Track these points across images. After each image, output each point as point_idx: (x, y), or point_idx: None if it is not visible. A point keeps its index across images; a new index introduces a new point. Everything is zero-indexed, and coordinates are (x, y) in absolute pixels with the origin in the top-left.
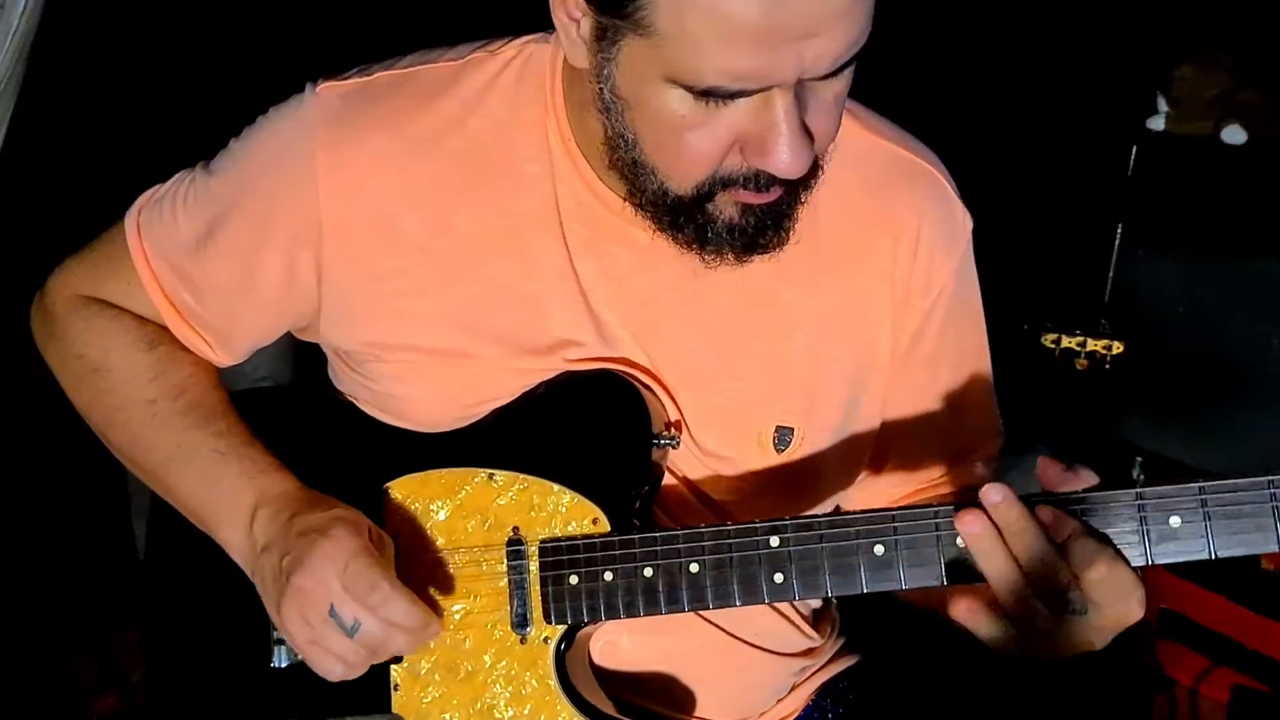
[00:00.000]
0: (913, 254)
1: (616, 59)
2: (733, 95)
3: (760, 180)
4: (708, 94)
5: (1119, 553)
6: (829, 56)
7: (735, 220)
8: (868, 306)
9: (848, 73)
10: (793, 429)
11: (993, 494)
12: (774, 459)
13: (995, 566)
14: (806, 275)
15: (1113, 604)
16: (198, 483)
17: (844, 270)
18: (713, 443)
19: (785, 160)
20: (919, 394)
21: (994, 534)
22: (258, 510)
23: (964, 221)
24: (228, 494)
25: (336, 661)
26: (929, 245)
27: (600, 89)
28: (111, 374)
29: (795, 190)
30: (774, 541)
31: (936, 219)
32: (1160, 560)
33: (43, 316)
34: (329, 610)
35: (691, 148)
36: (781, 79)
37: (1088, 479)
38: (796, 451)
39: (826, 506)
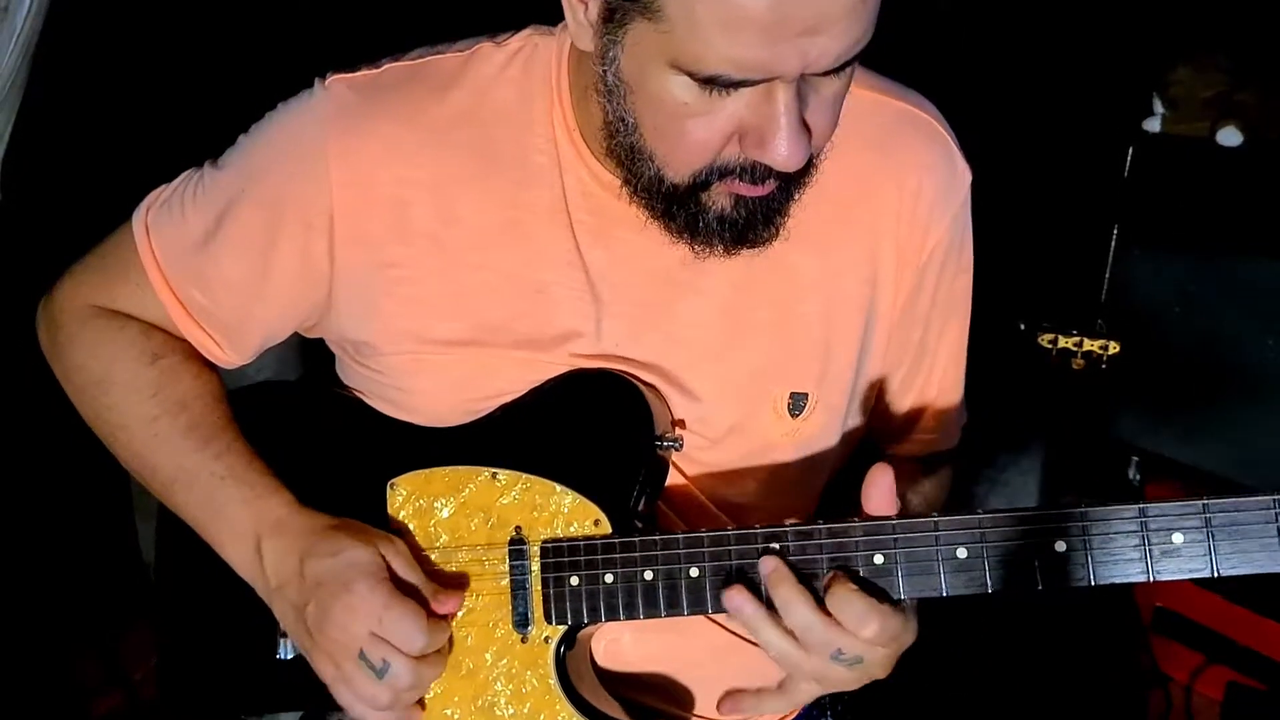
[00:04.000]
0: (913, 207)
1: (622, 41)
2: (735, 85)
3: (756, 172)
4: (710, 82)
5: (882, 595)
6: (832, 53)
7: (727, 212)
8: (874, 263)
9: (848, 71)
10: (807, 394)
11: (765, 565)
12: (789, 425)
13: (767, 637)
14: (817, 239)
15: (886, 644)
16: (200, 507)
17: (853, 229)
18: (728, 414)
19: (783, 153)
20: (906, 347)
21: (763, 610)
22: (261, 540)
23: (963, 174)
24: (228, 520)
25: (365, 702)
26: (929, 198)
27: (604, 72)
28: (114, 388)
29: (788, 186)
30: (774, 548)
31: (937, 172)
32: (1162, 577)
33: (49, 324)
34: (359, 654)
35: (691, 135)
36: (784, 72)
37: (894, 508)
38: (811, 416)
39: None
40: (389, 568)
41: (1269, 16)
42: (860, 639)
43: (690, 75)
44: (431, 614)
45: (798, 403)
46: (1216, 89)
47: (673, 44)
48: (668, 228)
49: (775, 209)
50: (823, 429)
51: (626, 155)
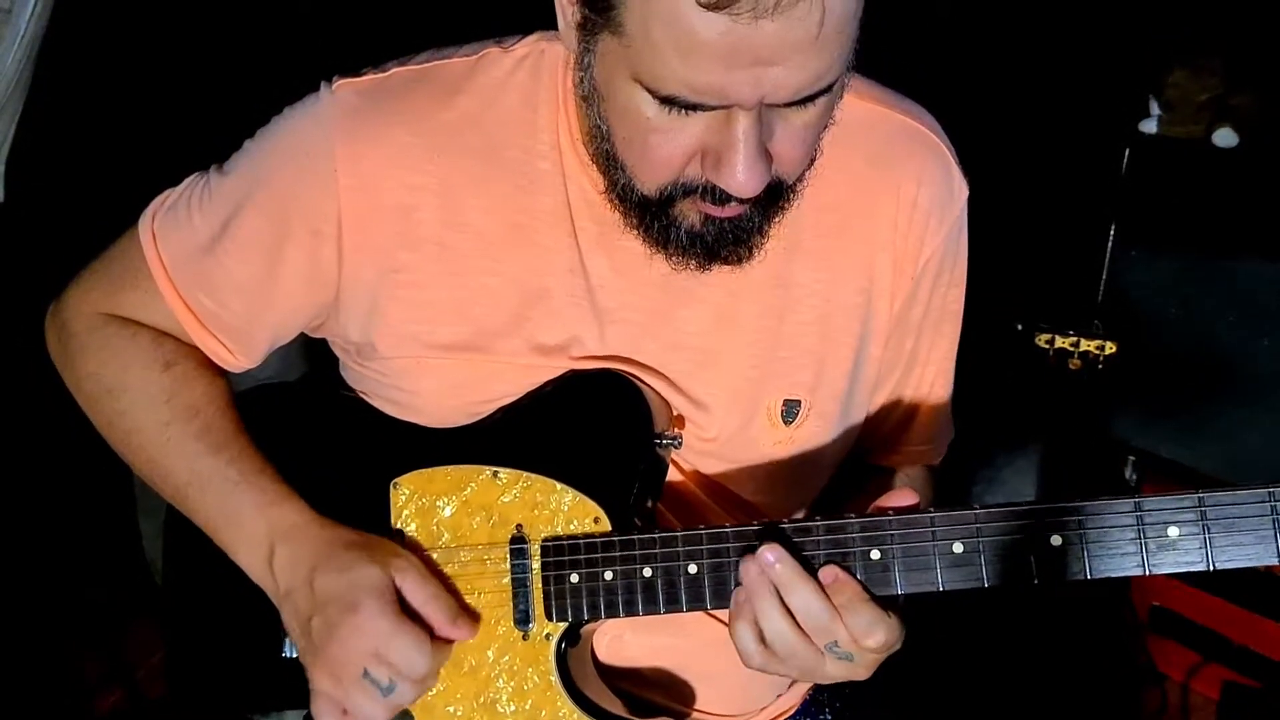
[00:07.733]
0: (910, 217)
1: (595, 51)
2: (692, 107)
3: (718, 193)
4: (669, 102)
5: (891, 608)
6: (789, 86)
7: (697, 228)
8: (871, 273)
9: (820, 103)
10: (800, 400)
11: (768, 554)
12: (783, 433)
13: (769, 620)
14: (815, 249)
15: (881, 652)
16: (213, 512)
17: (851, 240)
18: (725, 421)
19: (739, 179)
20: (898, 356)
21: (771, 589)
22: (274, 547)
23: (960, 189)
24: (241, 525)
25: (362, 717)
26: (925, 211)
27: (581, 78)
28: (127, 394)
29: (763, 209)
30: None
31: (934, 185)
32: (1157, 571)
33: (58, 332)
34: (364, 673)
35: (655, 150)
36: (739, 100)
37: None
38: (804, 423)
39: (825, 482)
40: (398, 590)
41: (1265, 20)
42: (863, 646)
43: (650, 92)
44: (436, 637)
45: (791, 410)
46: (1212, 91)
47: (634, 60)
48: (644, 239)
49: (748, 229)
50: (816, 436)
51: (604, 162)
